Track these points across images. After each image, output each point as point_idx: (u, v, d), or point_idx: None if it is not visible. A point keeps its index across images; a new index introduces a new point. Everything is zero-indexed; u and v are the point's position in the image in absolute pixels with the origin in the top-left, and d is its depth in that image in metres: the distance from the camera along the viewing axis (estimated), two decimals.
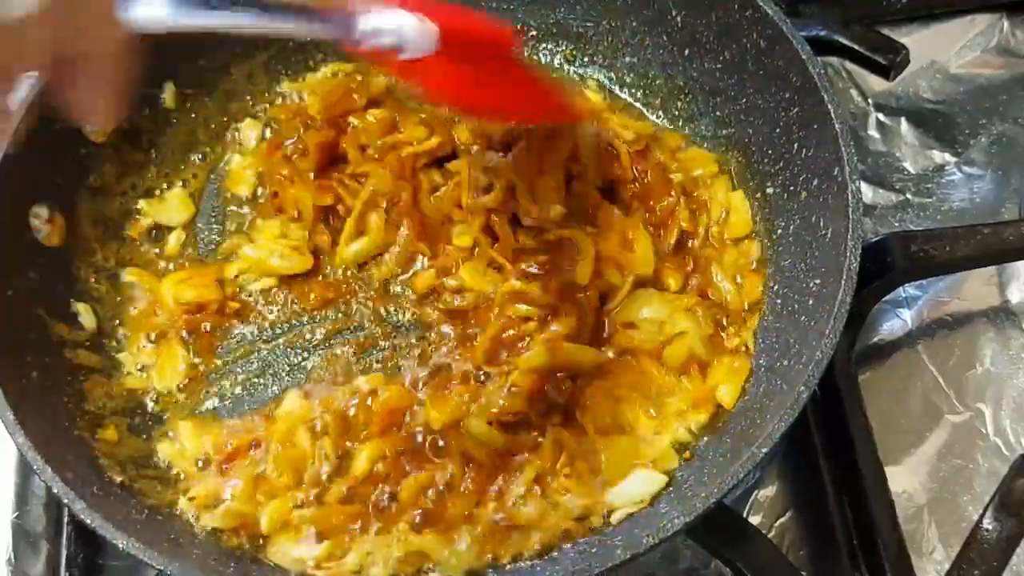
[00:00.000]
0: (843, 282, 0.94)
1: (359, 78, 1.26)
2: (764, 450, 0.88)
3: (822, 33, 1.25)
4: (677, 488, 1.01)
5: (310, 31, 0.93)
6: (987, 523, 0.93)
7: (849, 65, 1.37)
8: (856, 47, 1.24)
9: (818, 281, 1.02)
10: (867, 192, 1.31)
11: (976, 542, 0.93)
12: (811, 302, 1.02)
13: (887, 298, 1.19)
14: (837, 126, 1.01)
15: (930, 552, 1.09)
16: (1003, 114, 1.36)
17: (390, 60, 0.91)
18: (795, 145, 1.10)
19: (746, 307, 1.12)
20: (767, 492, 1.13)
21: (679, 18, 1.19)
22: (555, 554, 0.99)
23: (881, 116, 1.36)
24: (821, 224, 1.04)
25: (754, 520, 1.11)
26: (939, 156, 1.33)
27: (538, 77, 1.17)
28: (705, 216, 1.16)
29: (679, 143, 1.23)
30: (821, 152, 1.05)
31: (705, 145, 1.23)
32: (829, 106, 1.02)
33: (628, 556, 0.86)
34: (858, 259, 0.95)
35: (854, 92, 1.38)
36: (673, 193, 1.15)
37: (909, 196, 1.31)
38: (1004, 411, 1.15)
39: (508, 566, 1.00)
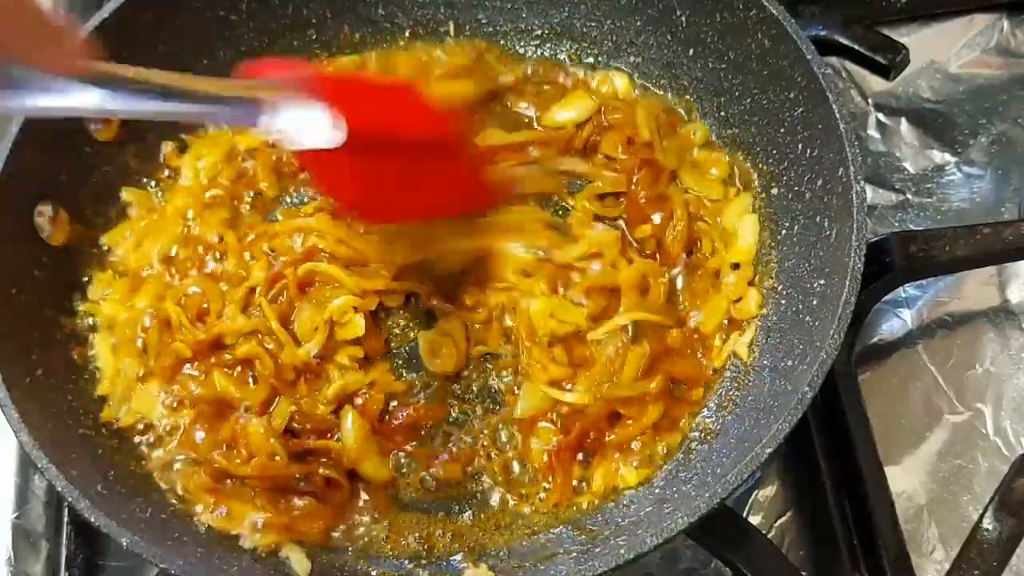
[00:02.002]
0: (847, 282, 0.95)
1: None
2: (768, 450, 0.88)
3: (822, 33, 1.26)
4: (680, 488, 1.01)
5: (213, 117, 0.92)
6: (987, 523, 0.93)
7: (849, 65, 1.37)
8: (856, 47, 1.25)
9: (822, 282, 1.02)
10: (867, 192, 1.30)
11: (976, 542, 0.93)
12: (815, 302, 1.03)
13: (887, 298, 1.19)
14: (842, 126, 1.01)
15: (930, 552, 1.09)
16: (1003, 114, 1.36)
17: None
18: (799, 145, 1.10)
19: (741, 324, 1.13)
20: (767, 492, 1.13)
21: (683, 18, 1.19)
22: (559, 553, 1.00)
23: (881, 116, 1.36)
24: (826, 224, 1.05)
25: (754, 520, 1.11)
26: (939, 156, 1.33)
27: (465, 158, 1.10)
28: (709, 242, 1.16)
29: (704, 137, 1.22)
30: (826, 152, 1.05)
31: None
32: (834, 106, 1.02)
33: (632, 556, 0.86)
34: (863, 259, 0.95)
35: (854, 92, 1.38)
36: (679, 213, 1.15)
37: (909, 196, 1.31)
38: (1004, 411, 1.15)
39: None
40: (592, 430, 1.06)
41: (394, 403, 1.09)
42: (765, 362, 1.07)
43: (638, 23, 1.23)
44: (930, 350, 1.20)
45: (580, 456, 1.06)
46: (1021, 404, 1.16)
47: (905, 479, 1.12)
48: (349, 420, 1.05)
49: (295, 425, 1.05)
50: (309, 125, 0.83)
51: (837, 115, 1.02)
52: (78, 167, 1.13)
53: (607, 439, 1.06)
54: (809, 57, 1.05)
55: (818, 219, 1.06)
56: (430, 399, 1.10)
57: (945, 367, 1.19)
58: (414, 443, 1.08)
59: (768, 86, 1.12)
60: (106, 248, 1.15)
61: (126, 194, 1.18)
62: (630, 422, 1.06)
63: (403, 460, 1.08)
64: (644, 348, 1.07)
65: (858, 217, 0.97)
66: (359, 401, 1.07)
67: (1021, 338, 1.21)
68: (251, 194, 1.20)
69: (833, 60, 1.37)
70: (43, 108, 0.71)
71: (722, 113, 1.20)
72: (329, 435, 1.06)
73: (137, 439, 1.06)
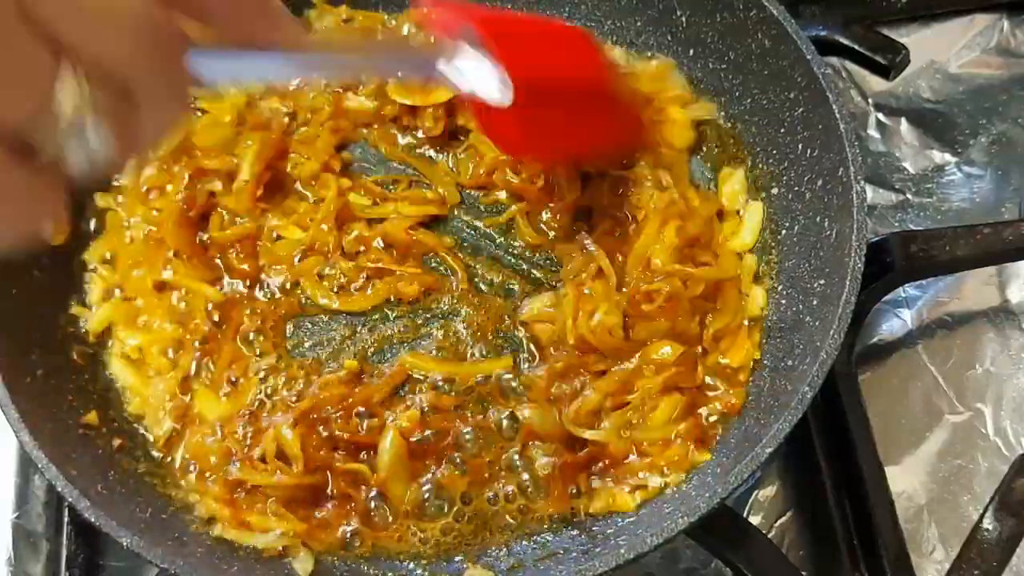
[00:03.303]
0: (848, 282, 0.95)
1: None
2: (769, 450, 0.89)
3: (822, 33, 1.25)
4: (680, 488, 1.01)
5: (389, 73, 0.96)
6: (987, 523, 0.93)
7: (849, 65, 1.37)
8: (856, 47, 1.24)
9: (822, 282, 1.02)
10: (867, 192, 1.30)
11: (976, 542, 0.93)
12: (815, 302, 1.03)
13: (887, 298, 1.19)
14: (842, 126, 1.01)
15: (930, 552, 1.09)
16: (1003, 114, 1.35)
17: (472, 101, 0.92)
18: (800, 145, 1.10)
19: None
20: (767, 492, 1.13)
21: (683, 18, 1.19)
22: (558, 553, 1.00)
23: (881, 116, 1.36)
24: (826, 224, 1.05)
25: (754, 520, 1.11)
26: (939, 156, 1.33)
27: (619, 99, 1.13)
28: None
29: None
30: (826, 152, 1.05)
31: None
32: (834, 107, 1.02)
33: (632, 556, 0.86)
34: (863, 259, 0.95)
35: (854, 92, 1.38)
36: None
37: (909, 196, 1.31)
38: (1004, 411, 1.15)
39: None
40: (606, 458, 1.04)
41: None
42: (765, 362, 1.07)
43: (638, 23, 1.23)
44: (930, 350, 1.20)
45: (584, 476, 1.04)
46: (1021, 404, 1.16)
47: (905, 479, 1.12)
48: (389, 439, 1.03)
49: (337, 433, 1.04)
50: (481, 80, 0.87)
51: (837, 115, 1.02)
52: None
53: (616, 468, 1.04)
54: (809, 57, 1.05)
55: (818, 219, 1.06)
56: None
57: (945, 367, 1.19)
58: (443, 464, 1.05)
59: (768, 86, 1.12)
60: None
61: (100, 201, 1.15)
62: (647, 459, 1.03)
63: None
64: (678, 398, 1.04)
65: (858, 217, 0.97)
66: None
67: (1021, 338, 1.21)
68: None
69: (833, 60, 1.37)
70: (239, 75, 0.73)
71: (722, 113, 1.20)
72: (364, 453, 1.04)
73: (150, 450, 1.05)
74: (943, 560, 1.08)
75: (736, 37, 1.14)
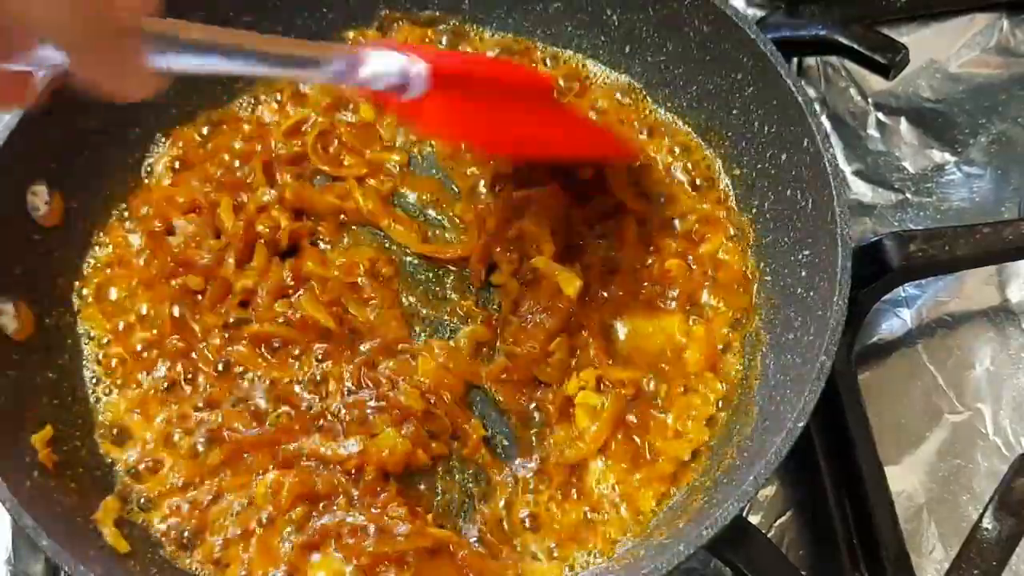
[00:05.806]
0: (839, 248, 0.95)
1: None
2: (801, 424, 0.89)
3: (822, 33, 1.26)
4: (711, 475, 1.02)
5: (310, 76, 0.98)
6: (987, 523, 0.93)
7: (849, 64, 1.37)
8: (856, 47, 1.24)
9: (807, 252, 1.03)
10: (867, 192, 1.31)
11: (976, 541, 0.93)
12: (803, 273, 1.03)
13: (886, 298, 1.19)
14: (799, 99, 1.01)
15: (930, 552, 1.09)
16: (1003, 114, 1.35)
17: (392, 101, 0.94)
18: (756, 124, 1.10)
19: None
20: (767, 492, 1.13)
21: (615, 17, 1.19)
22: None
23: (881, 115, 1.36)
24: (799, 196, 1.05)
25: (754, 520, 1.11)
26: (939, 156, 1.33)
27: (575, 116, 1.18)
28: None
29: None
30: (785, 127, 1.05)
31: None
32: (787, 80, 1.02)
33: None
34: (849, 224, 0.96)
35: (854, 91, 1.38)
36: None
37: (909, 196, 1.31)
38: (1004, 411, 1.15)
39: None
40: None
41: None
42: (765, 341, 1.07)
43: (569, 28, 1.24)
44: (930, 350, 1.20)
45: None
46: (1021, 404, 1.16)
47: (905, 479, 1.12)
48: None
49: None
50: (398, 72, 0.91)
51: (792, 88, 1.02)
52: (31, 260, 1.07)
53: None
54: (753, 36, 1.05)
55: (789, 192, 1.07)
56: None
57: (945, 367, 1.19)
58: None
59: (713, 71, 1.13)
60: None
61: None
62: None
63: None
64: None
65: (835, 184, 0.97)
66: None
67: (1021, 338, 1.20)
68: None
69: (833, 59, 1.38)
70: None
71: (668, 104, 1.21)
72: None
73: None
74: (943, 560, 1.08)
75: (672, 28, 1.14)
